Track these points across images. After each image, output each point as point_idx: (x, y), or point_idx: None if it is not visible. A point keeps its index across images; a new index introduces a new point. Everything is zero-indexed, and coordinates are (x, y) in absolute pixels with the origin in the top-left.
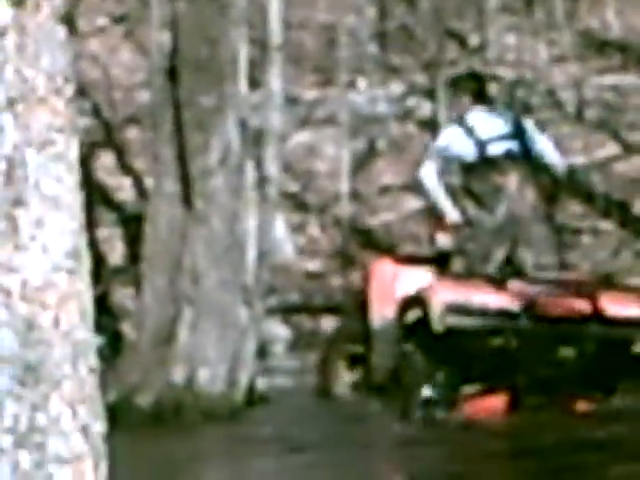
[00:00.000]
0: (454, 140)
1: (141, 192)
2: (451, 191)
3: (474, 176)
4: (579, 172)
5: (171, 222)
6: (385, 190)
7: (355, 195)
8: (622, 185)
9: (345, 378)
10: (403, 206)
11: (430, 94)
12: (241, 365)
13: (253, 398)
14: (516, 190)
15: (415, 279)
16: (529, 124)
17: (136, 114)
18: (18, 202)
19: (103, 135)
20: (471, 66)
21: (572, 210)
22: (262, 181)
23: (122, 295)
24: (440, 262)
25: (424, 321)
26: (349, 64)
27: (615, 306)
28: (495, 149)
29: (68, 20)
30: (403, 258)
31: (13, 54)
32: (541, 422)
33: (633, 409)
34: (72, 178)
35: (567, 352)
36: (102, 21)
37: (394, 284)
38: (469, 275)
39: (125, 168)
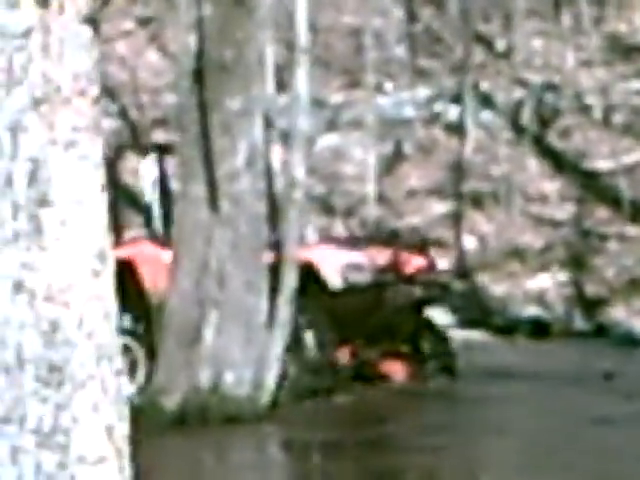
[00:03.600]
0: None
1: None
2: None
3: None
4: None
5: (197, 224)
6: (411, 193)
7: (381, 198)
8: None
9: None
10: (429, 209)
11: (457, 98)
12: (267, 368)
13: (278, 401)
14: None
15: None
16: None
17: (163, 116)
18: (43, 202)
19: (130, 137)
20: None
21: (599, 215)
22: (288, 184)
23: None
24: None
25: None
26: (376, 67)
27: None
28: None
29: (93, 21)
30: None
31: (38, 55)
32: None
33: None
34: (97, 179)
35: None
36: (128, 24)
37: None
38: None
39: None
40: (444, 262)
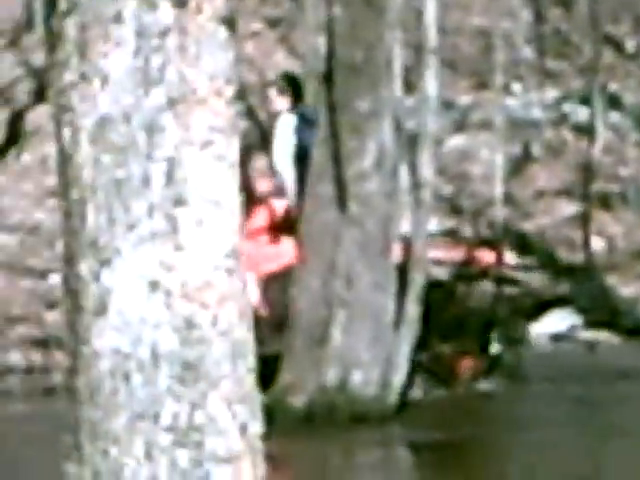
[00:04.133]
0: (292, 130)
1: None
2: None
3: None
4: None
5: (325, 225)
6: (540, 195)
7: (509, 199)
8: None
9: None
10: (558, 211)
11: (586, 99)
12: (394, 368)
13: (406, 402)
14: None
15: None
16: None
17: None
18: (178, 202)
19: (258, 138)
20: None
21: None
22: (416, 185)
23: None
24: None
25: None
26: (504, 68)
27: None
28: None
29: (229, 21)
30: None
31: (174, 55)
32: None
33: None
34: (232, 178)
35: None
36: (257, 25)
37: None
38: None
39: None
40: (512, 257)
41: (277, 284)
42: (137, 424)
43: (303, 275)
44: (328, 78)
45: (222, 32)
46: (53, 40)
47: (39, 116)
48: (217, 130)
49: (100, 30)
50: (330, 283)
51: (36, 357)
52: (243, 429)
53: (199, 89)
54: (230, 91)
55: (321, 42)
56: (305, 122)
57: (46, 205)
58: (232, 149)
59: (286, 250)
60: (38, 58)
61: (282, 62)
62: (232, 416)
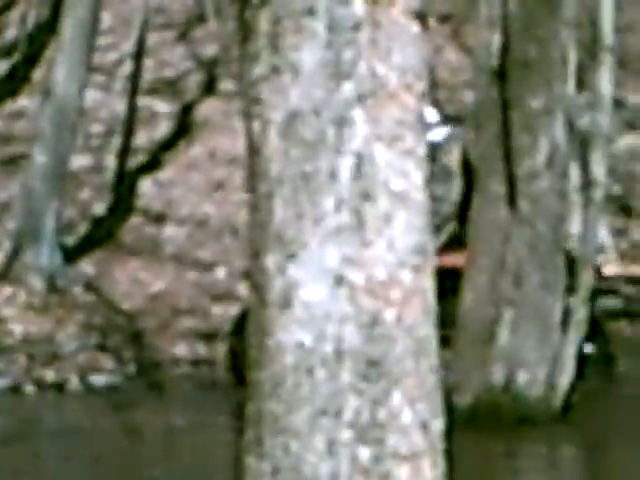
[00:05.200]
0: None
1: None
2: None
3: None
4: None
5: (495, 223)
6: None
7: None
8: None
9: None
10: None
11: None
12: (561, 369)
13: (571, 403)
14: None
15: None
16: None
17: (459, 113)
18: (366, 197)
19: None
20: None
21: None
22: (588, 184)
23: None
24: None
25: None
26: None
27: None
28: (436, 135)
29: (421, 16)
30: None
31: (366, 49)
32: None
33: None
34: (420, 175)
35: None
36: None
37: None
38: None
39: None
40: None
41: None
42: (319, 419)
43: (471, 274)
44: (500, 74)
45: (414, 26)
46: (244, 32)
47: (208, 108)
48: (406, 125)
49: (292, 23)
50: (498, 282)
51: (202, 349)
52: (425, 427)
53: (389, 84)
54: (420, 86)
55: (493, 38)
56: None
57: (214, 198)
58: (421, 145)
59: None
60: (209, 50)
61: (452, 58)
62: (414, 414)
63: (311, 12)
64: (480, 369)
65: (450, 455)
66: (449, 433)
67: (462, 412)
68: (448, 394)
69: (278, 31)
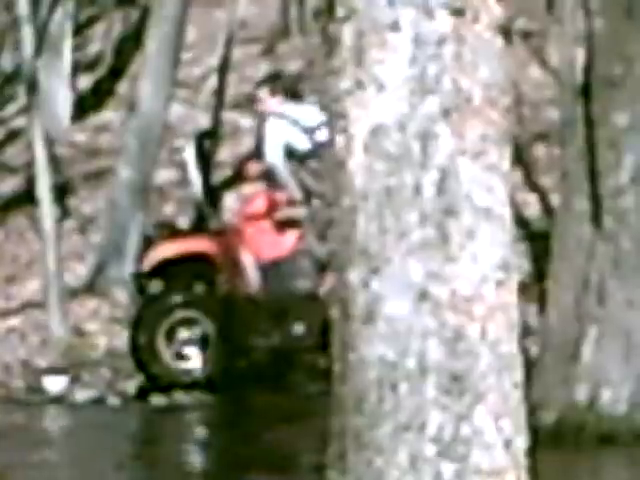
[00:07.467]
0: (283, 131)
1: (547, 209)
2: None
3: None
4: None
5: (579, 240)
6: None
7: None
8: None
9: None
10: None
11: None
12: None
13: None
14: None
15: None
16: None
17: (544, 131)
18: (449, 212)
19: (512, 152)
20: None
21: None
22: None
23: (526, 311)
24: None
25: None
26: None
27: None
28: (322, 135)
29: (505, 31)
30: None
31: (451, 63)
32: None
33: None
34: (504, 189)
35: None
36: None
37: None
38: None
39: (532, 185)
40: None
41: (276, 271)
42: (402, 434)
43: (555, 291)
44: (585, 91)
45: (498, 41)
46: (329, 47)
47: None
48: (490, 140)
49: (377, 37)
50: (582, 299)
51: None
52: (508, 444)
53: (474, 98)
54: (505, 101)
55: (577, 54)
56: (294, 122)
57: None
58: (504, 160)
59: (288, 241)
60: (293, 65)
61: (536, 74)
62: (497, 430)
63: (396, 26)
64: (564, 387)
65: (533, 472)
66: (532, 450)
67: (545, 429)
68: (532, 411)
69: (362, 45)
